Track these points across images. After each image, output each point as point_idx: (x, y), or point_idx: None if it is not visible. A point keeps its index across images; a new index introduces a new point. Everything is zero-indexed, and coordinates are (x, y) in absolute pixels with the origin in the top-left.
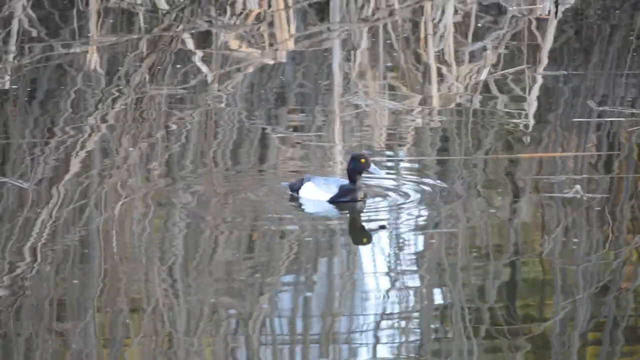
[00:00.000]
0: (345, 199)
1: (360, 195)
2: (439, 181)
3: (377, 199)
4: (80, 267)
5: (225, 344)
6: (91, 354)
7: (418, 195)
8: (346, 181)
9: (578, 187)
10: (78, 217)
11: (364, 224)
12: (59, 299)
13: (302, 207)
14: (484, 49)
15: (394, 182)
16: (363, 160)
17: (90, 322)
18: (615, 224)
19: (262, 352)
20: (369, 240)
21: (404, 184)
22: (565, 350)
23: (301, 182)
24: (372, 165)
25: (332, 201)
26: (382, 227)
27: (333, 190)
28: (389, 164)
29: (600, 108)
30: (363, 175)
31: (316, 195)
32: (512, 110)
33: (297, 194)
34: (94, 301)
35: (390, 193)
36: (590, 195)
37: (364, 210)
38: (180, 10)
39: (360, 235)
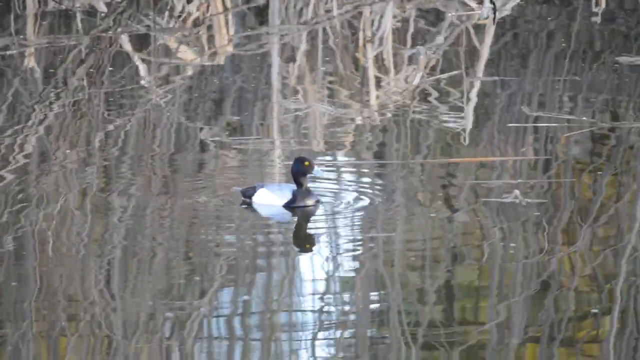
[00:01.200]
0: (299, 204)
1: (313, 200)
2: (377, 186)
3: (318, 204)
4: (16, 270)
5: (162, 347)
6: (28, 356)
7: (356, 200)
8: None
9: (517, 192)
10: (15, 220)
11: (308, 229)
12: None
13: (255, 212)
14: (421, 54)
15: (332, 187)
16: (307, 163)
17: (27, 324)
18: (552, 228)
19: (199, 355)
20: (312, 245)
21: (342, 188)
22: (502, 355)
23: (254, 189)
24: (316, 168)
25: (287, 206)
26: (322, 232)
27: (287, 196)
28: (328, 168)
29: (535, 113)
30: (308, 177)
31: (270, 201)
32: (450, 115)
33: (250, 199)
34: (30, 304)
35: (328, 198)
36: (529, 200)
37: (313, 216)
38: (119, 13)
39: (303, 240)
